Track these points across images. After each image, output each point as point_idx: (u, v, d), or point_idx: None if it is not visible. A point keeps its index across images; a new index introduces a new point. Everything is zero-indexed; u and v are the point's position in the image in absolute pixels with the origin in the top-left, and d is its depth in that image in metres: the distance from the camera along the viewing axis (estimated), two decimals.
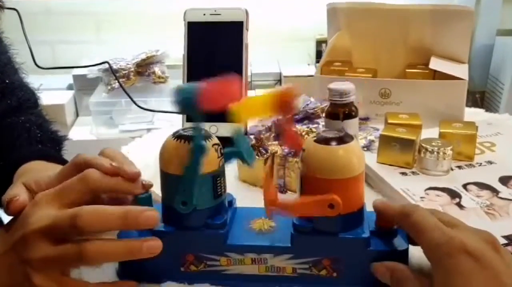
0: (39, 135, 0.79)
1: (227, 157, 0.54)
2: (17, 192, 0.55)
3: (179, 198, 0.52)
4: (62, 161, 0.72)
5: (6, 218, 0.78)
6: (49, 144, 0.79)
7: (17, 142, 0.76)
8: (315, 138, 0.52)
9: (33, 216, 0.50)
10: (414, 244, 0.51)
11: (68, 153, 0.80)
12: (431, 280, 0.46)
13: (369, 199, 0.55)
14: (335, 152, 0.50)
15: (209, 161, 0.52)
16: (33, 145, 0.76)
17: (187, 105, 0.48)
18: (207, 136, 0.52)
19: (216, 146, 0.53)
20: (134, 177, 0.55)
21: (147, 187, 0.55)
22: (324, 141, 0.51)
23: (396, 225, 0.54)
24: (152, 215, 0.50)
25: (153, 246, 0.50)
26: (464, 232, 0.47)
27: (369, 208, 0.55)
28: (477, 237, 0.47)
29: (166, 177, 0.53)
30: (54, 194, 0.52)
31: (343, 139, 0.51)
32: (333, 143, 0.50)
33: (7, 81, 0.81)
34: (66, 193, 0.52)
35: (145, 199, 0.54)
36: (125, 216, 0.49)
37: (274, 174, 0.73)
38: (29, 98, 0.85)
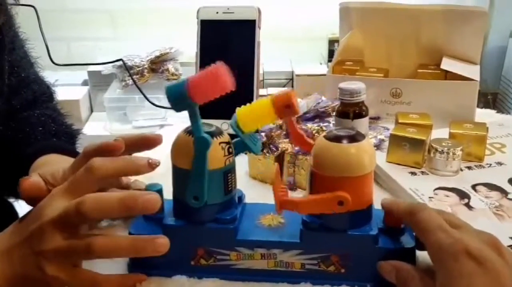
0: (53, 128, 0.80)
1: (238, 149, 0.55)
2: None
3: (191, 192, 0.52)
4: (77, 154, 0.73)
5: (21, 212, 0.80)
6: (63, 137, 0.80)
7: (32, 136, 0.77)
8: (326, 135, 0.52)
9: (48, 208, 0.52)
10: (421, 249, 0.52)
11: (81, 148, 0.81)
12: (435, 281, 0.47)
13: (378, 198, 0.55)
14: (347, 150, 0.50)
15: (216, 159, 0.52)
16: (48, 138, 0.78)
17: (178, 100, 0.49)
18: (218, 133, 0.53)
19: (224, 144, 0.53)
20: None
21: (153, 165, 0.55)
22: (336, 139, 0.51)
23: (402, 223, 0.54)
24: (152, 198, 0.50)
25: (159, 244, 0.50)
26: (467, 234, 0.48)
27: (377, 206, 0.55)
28: (480, 239, 0.47)
29: (177, 172, 0.54)
30: (65, 187, 0.53)
31: (355, 137, 0.51)
32: (345, 141, 0.51)
33: (23, 74, 0.83)
34: (75, 185, 0.53)
35: (155, 192, 0.55)
36: (124, 199, 0.50)
37: (284, 173, 0.74)
38: (44, 91, 0.87)
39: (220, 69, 0.48)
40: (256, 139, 0.56)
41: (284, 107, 0.51)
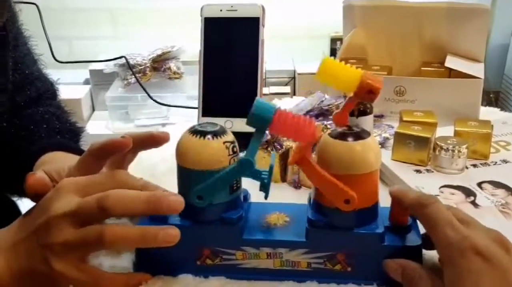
0: (57, 126, 0.80)
1: (249, 174, 0.53)
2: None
3: (195, 192, 0.52)
4: (81, 152, 0.73)
5: (24, 210, 0.79)
6: (67, 135, 0.80)
7: (36, 133, 0.77)
8: (331, 133, 0.52)
9: (57, 201, 0.51)
10: (428, 248, 0.52)
11: (85, 146, 0.81)
12: (443, 279, 0.47)
13: (383, 196, 0.55)
14: (352, 148, 0.50)
15: (220, 158, 0.52)
16: (52, 136, 0.78)
17: (258, 118, 0.49)
18: (222, 132, 0.53)
19: (228, 144, 0.53)
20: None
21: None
22: (341, 136, 0.51)
23: (409, 216, 0.54)
24: (177, 200, 0.50)
25: (170, 234, 0.50)
26: (476, 231, 0.48)
27: (383, 204, 0.55)
28: (488, 236, 0.47)
29: (182, 171, 0.54)
30: (79, 185, 0.53)
31: (360, 135, 0.51)
32: (350, 138, 0.51)
33: (26, 71, 0.83)
34: (92, 187, 0.53)
35: None
36: (150, 198, 0.50)
37: (288, 171, 0.73)
38: (48, 89, 0.87)
39: (313, 123, 0.49)
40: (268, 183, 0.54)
41: (368, 90, 0.50)
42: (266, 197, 0.53)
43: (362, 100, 0.52)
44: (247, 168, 0.51)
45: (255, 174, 0.52)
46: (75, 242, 0.50)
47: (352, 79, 0.51)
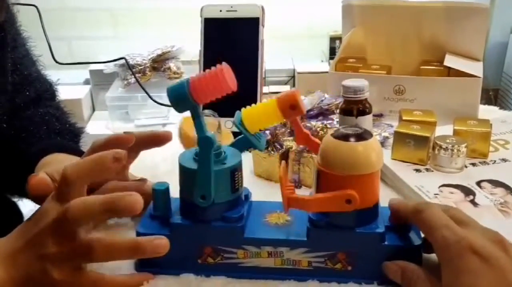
0: (57, 127, 0.80)
1: (237, 147, 0.55)
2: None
3: (198, 192, 0.52)
4: (81, 153, 0.73)
5: (24, 211, 0.80)
6: (67, 136, 0.80)
7: (36, 135, 0.78)
8: (333, 134, 0.52)
9: (45, 212, 0.52)
10: (428, 252, 0.53)
11: (85, 147, 0.82)
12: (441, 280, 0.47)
13: (383, 195, 0.55)
14: (355, 148, 0.50)
15: None
16: (52, 137, 0.78)
17: (180, 101, 0.49)
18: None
19: None
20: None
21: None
22: (343, 137, 0.51)
23: (409, 221, 0.54)
24: (133, 199, 0.49)
25: (159, 245, 0.50)
26: (473, 232, 0.48)
27: (383, 203, 0.55)
28: (486, 237, 0.47)
29: (183, 171, 0.54)
30: (54, 193, 0.53)
31: (362, 135, 0.51)
32: (352, 139, 0.51)
33: (25, 72, 0.83)
34: (62, 192, 0.52)
35: (162, 191, 0.56)
36: (105, 203, 0.49)
37: (288, 170, 0.74)
38: (46, 89, 0.87)
39: (223, 70, 0.48)
40: (260, 135, 0.56)
41: (289, 107, 0.51)
42: (261, 148, 0.55)
43: (291, 117, 0.52)
44: (209, 144, 0.51)
45: (241, 143, 0.54)
46: (68, 254, 0.50)
47: (272, 108, 0.51)
